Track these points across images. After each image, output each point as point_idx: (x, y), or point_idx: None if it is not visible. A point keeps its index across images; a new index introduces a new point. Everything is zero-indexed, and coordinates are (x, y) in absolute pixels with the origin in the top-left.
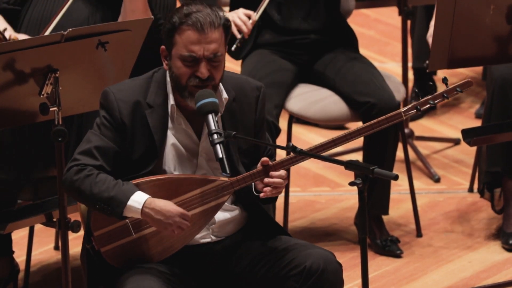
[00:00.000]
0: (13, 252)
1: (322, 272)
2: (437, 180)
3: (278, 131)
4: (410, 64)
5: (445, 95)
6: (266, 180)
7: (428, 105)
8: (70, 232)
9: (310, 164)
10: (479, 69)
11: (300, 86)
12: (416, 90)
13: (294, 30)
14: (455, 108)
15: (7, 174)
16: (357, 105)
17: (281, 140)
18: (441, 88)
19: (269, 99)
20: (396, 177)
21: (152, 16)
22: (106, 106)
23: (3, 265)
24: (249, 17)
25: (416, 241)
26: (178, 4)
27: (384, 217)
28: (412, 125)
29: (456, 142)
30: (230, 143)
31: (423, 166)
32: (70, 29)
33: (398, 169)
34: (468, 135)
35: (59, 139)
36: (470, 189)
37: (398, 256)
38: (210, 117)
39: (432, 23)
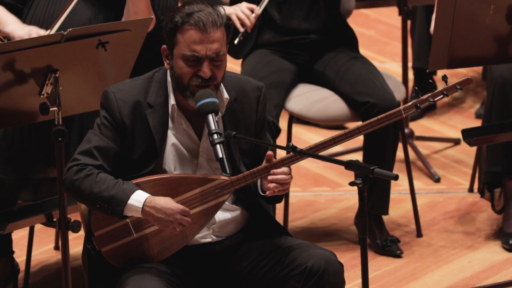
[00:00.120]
0: (13, 252)
1: (323, 273)
2: (437, 180)
3: (278, 131)
4: (410, 64)
5: (444, 92)
6: (270, 177)
7: (428, 103)
8: (70, 232)
9: (310, 164)
10: (479, 69)
11: (300, 86)
12: (416, 88)
13: (294, 30)
14: (455, 108)
15: (7, 174)
16: (357, 105)
17: (281, 140)
18: (441, 87)
19: (269, 99)
20: (396, 177)
21: (154, 18)
22: (106, 106)
23: (3, 265)
24: (252, 11)
25: (416, 241)
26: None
27: (384, 217)
28: (412, 125)
29: (456, 142)
30: (231, 143)
31: (423, 166)
32: (70, 29)
33: (398, 169)
34: (468, 135)
35: (59, 139)
36: (470, 189)
37: (398, 256)
38: (210, 117)
39: (434, 16)
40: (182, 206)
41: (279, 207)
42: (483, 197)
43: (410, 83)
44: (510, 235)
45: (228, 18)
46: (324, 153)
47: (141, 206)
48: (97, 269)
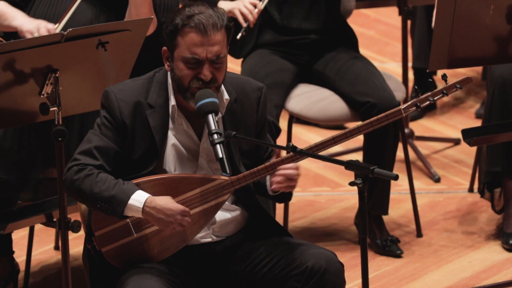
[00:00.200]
0: (13, 252)
1: (324, 272)
2: (437, 180)
3: (278, 131)
4: (410, 64)
5: (444, 91)
6: (278, 172)
7: (428, 102)
8: (70, 232)
9: (310, 164)
10: (479, 69)
11: (300, 86)
12: (416, 87)
13: (294, 29)
14: (455, 108)
15: (7, 174)
16: (357, 105)
17: (281, 140)
18: (441, 87)
19: (269, 99)
20: (396, 177)
21: (156, 20)
22: (107, 106)
23: (3, 265)
24: (255, 6)
25: (416, 241)
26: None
27: (384, 217)
28: (412, 125)
29: (456, 142)
30: (231, 144)
31: (423, 166)
32: (70, 29)
33: (398, 169)
34: (468, 135)
35: (59, 139)
36: (470, 189)
37: (398, 256)
38: (210, 117)
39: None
40: (182, 207)
41: (279, 207)
42: (483, 197)
43: (410, 83)
44: (510, 235)
45: (229, 20)
46: (324, 153)
47: (141, 206)
48: (97, 269)
